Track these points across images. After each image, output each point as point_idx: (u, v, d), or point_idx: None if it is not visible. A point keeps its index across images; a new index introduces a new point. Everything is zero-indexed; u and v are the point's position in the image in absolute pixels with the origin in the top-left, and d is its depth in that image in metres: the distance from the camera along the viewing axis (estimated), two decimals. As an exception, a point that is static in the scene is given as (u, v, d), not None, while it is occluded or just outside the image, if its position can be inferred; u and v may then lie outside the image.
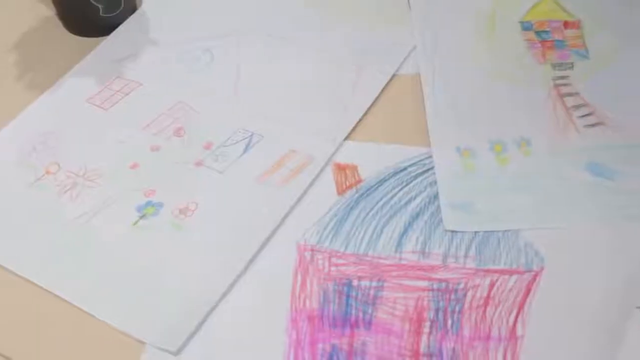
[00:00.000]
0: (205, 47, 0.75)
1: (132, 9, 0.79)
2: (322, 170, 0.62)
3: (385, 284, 0.55)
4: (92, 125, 0.68)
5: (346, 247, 0.57)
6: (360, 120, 0.67)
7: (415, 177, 0.62)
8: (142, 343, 0.52)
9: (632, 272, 0.55)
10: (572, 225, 0.58)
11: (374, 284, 0.55)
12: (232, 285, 0.55)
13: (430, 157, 0.63)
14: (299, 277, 0.55)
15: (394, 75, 0.71)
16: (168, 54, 0.74)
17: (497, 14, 0.77)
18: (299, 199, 0.60)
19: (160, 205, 0.60)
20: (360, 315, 0.53)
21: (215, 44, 0.75)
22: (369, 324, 0.52)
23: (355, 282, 0.55)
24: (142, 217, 0.60)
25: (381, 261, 0.56)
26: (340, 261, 0.56)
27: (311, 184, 0.61)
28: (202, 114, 0.68)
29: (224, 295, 0.54)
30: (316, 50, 0.73)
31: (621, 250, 0.56)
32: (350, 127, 0.66)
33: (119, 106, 0.69)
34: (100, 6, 0.74)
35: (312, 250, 0.57)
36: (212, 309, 0.54)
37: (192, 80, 0.72)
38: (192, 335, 0.52)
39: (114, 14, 0.76)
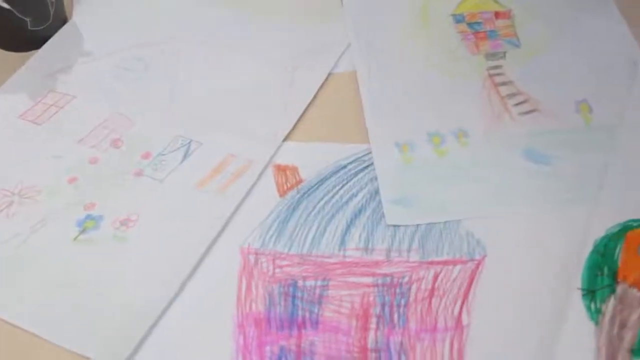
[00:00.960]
0: (138, 56, 0.74)
1: (62, 20, 0.78)
2: (262, 173, 0.62)
3: (331, 283, 0.55)
4: (27, 141, 0.66)
5: (290, 248, 0.57)
6: (298, 120, 0.67)
7: (356, 174, 0.62)
8: (87, 359, 0.51)
9: (571, 254, 0.56)
10: (512, 212, 0.59)
11: (319, 283, 0.55)
12: (177, 294, 0.54)
13: (370, 153, 0.63)
14: (244, 281, 0.55)
15: (329, 74, 0.71)
16: (101, 64, 0.73)
17: (429, 8, 0.78)
18: (240, 203, 0.60)
19: (101, 218, 0.60)
20: (307, 315, 0.53)
21: (148, 52, 0.74)
22: (316, 324, 0.52)
23: (300, 283, 0.55)
24: (82, 231, 0.59)
25: (325, 260, 0.56)
26: (285, 262, 0.56)
27: (252, 187, 0.61)
28: (139, 123, 0.67)
29: (169, 304, 0.54)
30: (250, 53, 0.73)
31: (560, 234, 0.57)
32: (289, 128, 0.66)
33: (54, 120, 0.68)
34: (27, 19, 0.73)
35: (255, 253, 0.57)
36: (158, 319, 0.53)
37: (127, 90, 0.71)
38: (138, 347, 0.52)
39: (43, 26, 0.75)
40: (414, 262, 0.56)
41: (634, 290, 0.53)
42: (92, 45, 0.76)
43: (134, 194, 0.61)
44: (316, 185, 0.61)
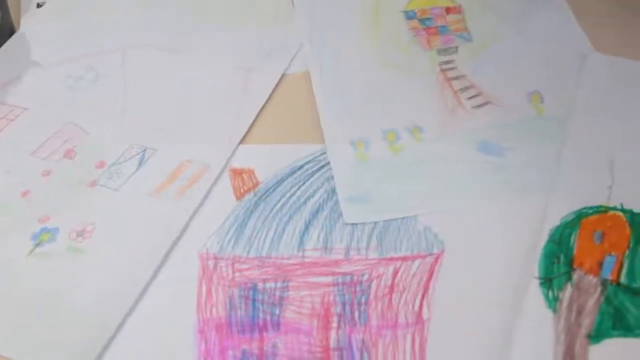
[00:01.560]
0: (89, 65, 0.73)
1: (9, 31, 0.77)
2: (218, 177, 0.62)
3: (291, 284, 0.55)
4: (-23, 156, 0.65)
5: (249, 252, 0.57)
6: (253, 123, 0.66)
7: (312, 174, 0.62)
8: (47, 373, 0.51)
9: (528, 243, 0.56)
10: (468, 205, 0.59)
11: (279, 285, 0.55)
12: (136, 303, 0.54)
13: (326, 152, 0.63)
14: (204, 287, 0.55)
15: (283, 75, 0.71)
16: (52, 75, 0.73)
17: (381, 5, 0.78)
18: (198, 209, 0.60)
19: (56, 230, 0.59)
20: (268, 317, 0.53)
21: (99, 61, 0.73)
22: (277, 326, 0.52)
23: (260, 285, 0.55)
24: (37, 245, 0.58)
25: (285, 261, 0.56)
26: (244, 266, 0.56)
27: (209, 192, 0.61)
28: (92, 133, 0.67)
29: (129, 313, 0.53)
30: (202, 58, 0.73)
31: (516, 224, 0.58)
32: (244, 131, 0.65)
33: (5, 133, 0.67)
34: (-27, 32, 0.72)
35: (214, 258, 0.56)
36: (118, 329, 0.53)
37: (79, 99, 0.70)
38: (99, 359, 0.51)
39: (-10, 38, 0.74)
40: (373, 259, 0.56)
41: (590, 277, 0.54)
42: (42, 56, 0.75)
43: (89, 204, 0.61)
44: (273, 187, 0.61)
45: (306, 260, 0.56)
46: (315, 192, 0.61)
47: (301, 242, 0.57)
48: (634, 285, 0.53)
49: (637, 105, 0.66)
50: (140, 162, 0.63)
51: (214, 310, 0.53)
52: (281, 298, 0.54)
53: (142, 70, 0.72)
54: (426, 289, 0.54)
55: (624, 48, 0.72)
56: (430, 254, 0.56)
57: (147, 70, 0.72)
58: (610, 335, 0.51)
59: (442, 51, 0.73)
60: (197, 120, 0.67)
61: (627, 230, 0.57)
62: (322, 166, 0.62)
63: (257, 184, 0.62)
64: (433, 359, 0.50)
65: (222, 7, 0.79)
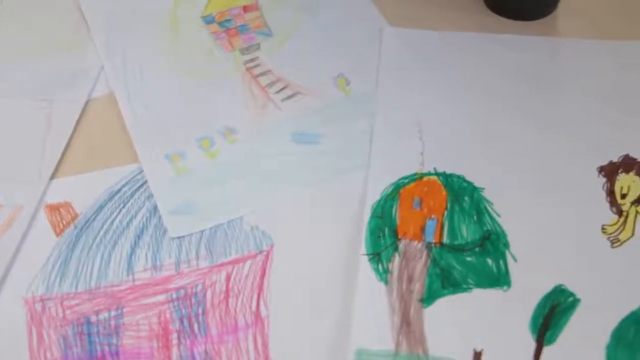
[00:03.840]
0: None
1: None
2: (33, 216, 0.59)
3: (125, 310, 0.53)
4: None
5: (77, 286, 0.55)
6: (62, 155, 0.64)
7: (131, 195, 0.61)
8: None
9: (353, 222, 0.57)
10: (291, 196, 0.60)
11: (113, 313, 0.53)
12: (-37, 365, 0.51)
13: (142, 171, 0.62)
14: (34, 332, 0.52)
15: (88, 101, 0.69)
16: None
17: (178, 15, 0.78)
18: (16, 253, 0.57)
19: None
20: (106, 348, 0.51)
21: None
22: (116, 355, 0.51)
23: (93, 318, 0.53)
24: None
25: (115, 288, 0.55)
26: (74, 302, 0.54)
27: (25, 234, 0.58)
28: None
29: (-43, 377, 0.51)
30: (-1, 96, 0.70)
31: (340, 206, 0.59)
32: (54, 165, 0.63)
33: None
34: None
35: (41, 300, 0.54)
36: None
37: None
38: None
39: None
40: (204, 268, 0.55)
41: (415, 243, 0.56)
42: None
43: None
44: (93, 216, 0.59)
45: (137, 283, 0.55)
46: (137, 212, 0.60)
47: (129, 266, 0.56)
48: (456, 242, 0.56)
49: (435, 70, 0.69)
50: (-52, 217, 0.60)
51: (48, 354, 0.51)
52: (117, 326, 0.52)
53: None
54: (261, 287, 0.54)
55: (416, 20, 0.75)
56: (261, 252, 0.56)
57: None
58: (441, 295, 0.53)
59: (245, 50, 0.73)
60: (1, 162, 0.64)
61: (443, 192, 0.59)
62: (141, 185, 0.61)
63: (75, 216, 0.60)
64: (277, 354, 0.51)
65: (12, 42, 0.75)
